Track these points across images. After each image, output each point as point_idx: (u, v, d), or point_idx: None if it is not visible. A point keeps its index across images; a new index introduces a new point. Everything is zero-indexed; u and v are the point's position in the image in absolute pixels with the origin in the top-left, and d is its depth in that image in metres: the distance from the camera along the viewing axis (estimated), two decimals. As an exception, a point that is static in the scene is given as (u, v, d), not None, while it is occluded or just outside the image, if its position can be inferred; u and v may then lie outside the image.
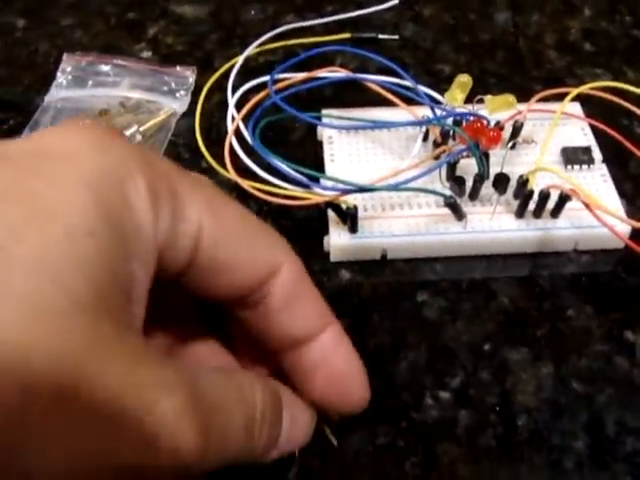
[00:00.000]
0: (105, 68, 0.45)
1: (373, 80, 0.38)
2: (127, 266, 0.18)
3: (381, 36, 0.47)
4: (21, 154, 0.18)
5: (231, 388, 0.21)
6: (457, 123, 0.37)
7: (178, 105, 0.43)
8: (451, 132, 0.37)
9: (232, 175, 0.35)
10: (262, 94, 0.37)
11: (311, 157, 0.39)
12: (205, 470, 0.19)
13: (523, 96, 0.39)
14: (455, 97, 0.38)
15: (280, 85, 0.37)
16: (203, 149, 0.39)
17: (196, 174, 0.22)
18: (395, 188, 0.34)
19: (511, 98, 0.37)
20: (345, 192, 0.33)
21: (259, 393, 0.22)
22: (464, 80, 0.38)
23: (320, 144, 0.39)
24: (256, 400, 0.21)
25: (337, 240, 0.35)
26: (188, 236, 0.20)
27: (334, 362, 0.24)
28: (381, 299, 0.34)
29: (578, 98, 0.39)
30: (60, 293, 0.16)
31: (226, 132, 0.39)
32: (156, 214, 0.19)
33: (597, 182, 0.37)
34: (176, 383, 0.18)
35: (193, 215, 0.20)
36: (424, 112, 0.37)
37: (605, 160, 0.38)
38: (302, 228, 0.37)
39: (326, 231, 0.35)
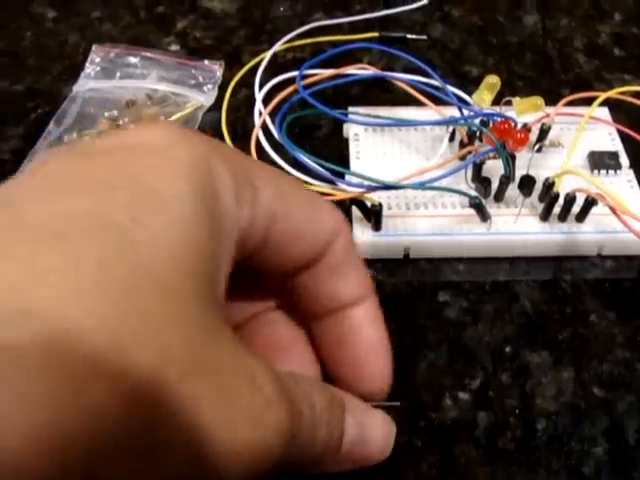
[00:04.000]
0: (133, 60, 0.45)
1: (401, 78, 0.38)
2: (219, 254, 0.19)
3: (409, 36, 0.47)
4: (116, 147, 0.19)
5: (301, 385, 0.21)
6: (484, 124, 0.37)
7: (205, 99, 0.43)
8: (478, 133, 0.37)
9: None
10: (290, 89, 0.37)
11: (336, 155, 0.39)
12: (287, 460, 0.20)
13: (550, 100, 0.39)
14: (483, 98, 0.38)
15: (308, 81, 0.37)
16: (229, 143, 0.39)
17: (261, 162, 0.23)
18: (421, 187, 0.34)
19: (539, 101, 0.37)
20: (370, 189, 0.33)
21: (317, 391, 0.22)
22: (493, 81, 0.38)
23: (345, 142, 0.39)
24: (314, 398, 0.22)
25: (360, 237, 0.35)
26: (263, 218, 0.21)
27: (366, 334, 0.25)
28: (402, 298, 0.34)
29: (606, 103, 0.39)
30: (181, 277, 0.17)
31: (252, 127, 0.39)
32: (238, 202, 0.20)
33: (623, 187, 0.37)
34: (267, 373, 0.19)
35: (265, 198, 0.21)
36: (451, 112, 0.38)
37: (632, 166, 0.38)
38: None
39: (349, 228, 0.35)
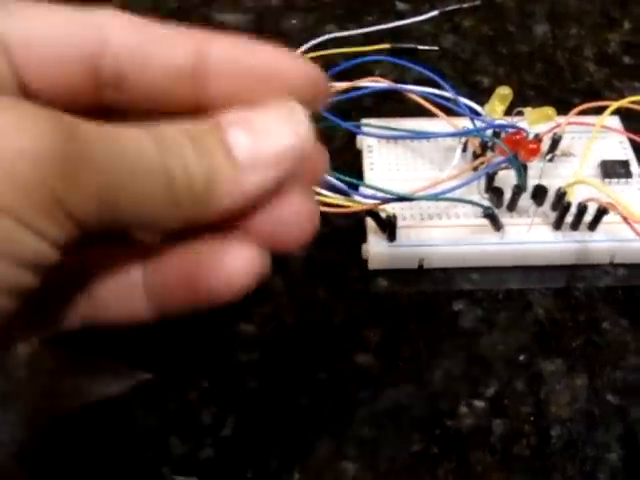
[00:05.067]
0: None
1: (413, 90, 0.39)
2: None
3: (420, 47, 0.47)
4: None
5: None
6: (496, 135, 0.37)
7: None
8: (490, 144, 0.37)
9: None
10: (304, 103, 0.37)
11: (350, 166, 0.39)
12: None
13: (561, 109, 0.39)
14: (495, 109, 0.38)
15: (322, 94, 0.37)
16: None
17: None
18: (435, 198, 0.34)
19: (550, 111, 0.38)
20: (385, 201, 0.34)
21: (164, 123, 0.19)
22: (504, 92, 0.38)
23: (359, 154, 0.40)
24: (161, 127, 0.19)
25: (375, 248, 0.35)
26: None
27: (244, 59, 0.21)
28: (417, 307, 0.35)
29: (617, 111, 0.40)
30: None
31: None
32: None
33: (634, 195, 0.37)
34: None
35: None
36: (463, 123, 0.38)
37: (643, 174, 0.38)
38: (340, 236, 0.37)
39: (364, 239, 0.36)
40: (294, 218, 0.21)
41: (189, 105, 0.21)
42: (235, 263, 0.21)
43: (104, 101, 0.21)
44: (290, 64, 0.21)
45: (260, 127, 0.20)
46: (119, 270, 0.22)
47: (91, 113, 0.20)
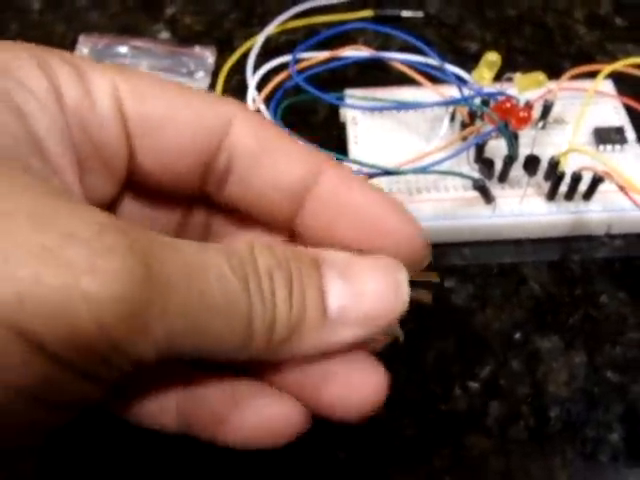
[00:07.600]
0: (122, 50, 0.44)
1: (398, 59, 0.37)
2: (23, 125, 0.17)
3: (405, 13, 0.46)
4: None
5: (197, 246, 0.17)
6: (485, 103, 0.36)
7: (197, 86, 0.42)
8: (479, 112, 0.36)
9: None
10: (283, 75, 0.36)
11: (334, 139, 0.38)
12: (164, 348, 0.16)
13: (552, 74, 0.38)
14: (483, 76, 0.37)
15: (302, 65, 0.36)
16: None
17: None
18: (422, 171, 0.33)
19: (541, 76, 0.36)
20: (371, 175, 0.32)
21: (259, 249, 0.18)
22: (493, 59, 0.37)
23: (343, 126, 0.38)
24: (255, 254, 0.18)
25: (362, 225, 0.34)
26: (106, 95, 0.19)
27: (349, 199, 0.20)
28: None
29: (610, 75, 0.38)
30: None
31: (246, 114, 0.38)
32: (52, 82, 0.19)
33: (630, 162, 0.36)
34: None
35: (103, 80, 0.19)
36: (451, 92, 0.37)
37: (639, 140, 0.37)
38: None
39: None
40: (356, 384, 0.20)
41: (279, 222, 0.21)
42: (269, 418, 0.20)
43: (202, 193, 0.21)
44: (396, 218, 0.21)
45: (360, 281, 0.19)
46: (156, 388, 0.21)
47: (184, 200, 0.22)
